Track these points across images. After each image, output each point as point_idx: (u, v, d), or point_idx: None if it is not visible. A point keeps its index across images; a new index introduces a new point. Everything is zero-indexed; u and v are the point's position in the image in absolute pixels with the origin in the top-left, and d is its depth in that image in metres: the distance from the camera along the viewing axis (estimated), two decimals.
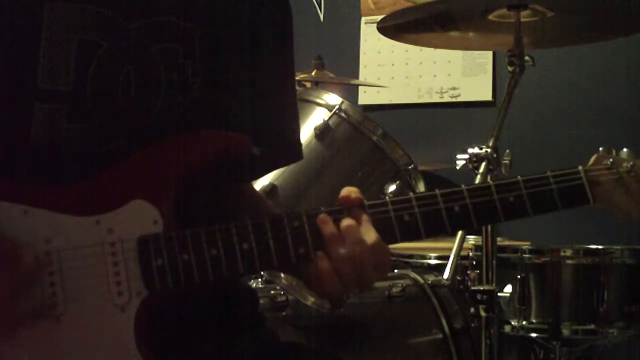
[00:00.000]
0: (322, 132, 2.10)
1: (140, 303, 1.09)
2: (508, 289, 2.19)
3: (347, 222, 1.14)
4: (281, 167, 1.75)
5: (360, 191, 1.17)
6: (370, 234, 1.14)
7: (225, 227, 1.12)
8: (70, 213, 1.10)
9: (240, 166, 1.27)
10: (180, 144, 1.16)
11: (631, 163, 1.22)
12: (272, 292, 2.13)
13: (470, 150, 2.00)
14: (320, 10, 4.18)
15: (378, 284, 2.21)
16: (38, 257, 1.08)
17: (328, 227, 1.14)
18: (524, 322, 2.26)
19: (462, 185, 1.18)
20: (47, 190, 1.11)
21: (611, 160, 1.22)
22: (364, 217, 1.15)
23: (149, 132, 1.18)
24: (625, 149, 1.25)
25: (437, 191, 1.17)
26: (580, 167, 1.21)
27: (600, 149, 1.24)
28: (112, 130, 1.17)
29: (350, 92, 3.96)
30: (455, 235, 2.10)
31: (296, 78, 3.06)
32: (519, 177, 1.19)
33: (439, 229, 1.17)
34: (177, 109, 1.21)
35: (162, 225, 1.11)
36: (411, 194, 1.18)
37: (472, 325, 2.13)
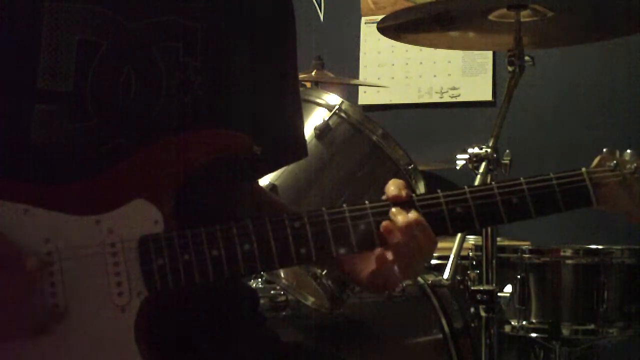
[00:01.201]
0: (322, 132, 2.09)
1: (140, 303, 1.09)
2: (508, 289, 2.19)
3: (413, 215, 1.15)
4: (286, 164, 1.75)
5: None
6: (426, 229, 1.15)
7: (226, 227, 1.12)
8: (71, 213, 1.10)
9: (241, 165, 1.27)
10: (181, 143, 1.15)
11: (635, 164, 1.21)
12: (272, 292, 2.13)
13: (470, 150, 2.00)
14: (320, 10, 4.18)
15: None
16: (38, 257, 1.07)
17: (399, 219, 1.14)
18: (524, 322, 2.26)
19: (465, 187, 1.18)
20: (47, 190, 1.11)
21: (615, 161, 1.21)
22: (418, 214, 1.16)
23: (150, 131, 1.17)
24: (629, 150, 1.24)
25: (439, 192, 1.17)
26: (583, 169, 1.20)
27: (604, 149, 1.23)
28: (113, 130, 1.17)
29: (350, 92, 3.96)
30: (455, 235, 2.11)
31: None
32: (521, 178, 1.19)
33: (441, 231, 1.17)
34: (179, 108, 1.20)
35: (162, 225, 1.11)
36: (413, 195, 1.18)
37: (472, 325, 2.13)
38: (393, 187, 1.18)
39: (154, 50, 1.19)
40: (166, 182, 1.13)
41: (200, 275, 1.10)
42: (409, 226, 1.14)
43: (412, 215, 1.15)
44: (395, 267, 1.16)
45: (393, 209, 1.15)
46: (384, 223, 1.15)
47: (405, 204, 1.16)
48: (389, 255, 1.15)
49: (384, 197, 1.18)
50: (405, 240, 1.14)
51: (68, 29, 1.15)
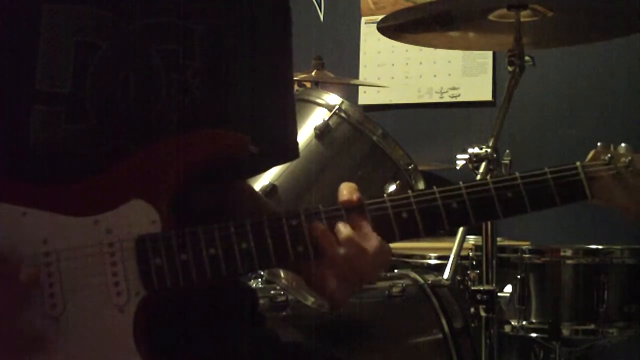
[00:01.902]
0: (322, 132, 2.09)
1: (138, 303, 1.09)
2: (508, 289, 2.19)
3: (345, 232, 1.13)
4: (277, 165, 1.75)
5: (358, 188, 1.17)
6: (371, 241, 1.13)
7: (223, 226, 1.12)
8: (69, 213, 1.10)
9: (238, 165, 1.27)
10: (179, 143, 1.15)
11: (629, 158, 1.21)
12: (272, 292, 2.13)
13: (470, 150, 2.00)
14: (320, 10, 4.18)
15: (378, 284, 2.21)
16: (37, 258, 1.07)
17: (327, 239, 1.13)
18: (524, 322, 2.26)
19: (460, 183, 1.18)
20: (45, 191, 1.11)
21: (609, 155, 1.21)
22: (364, 222, 1.15)
23: (149, 132, 1.17)
24: (623, 144, 1.24)
25: (435, 188, 1.17)
26: (578, 163, 1.20)
27: (599, 144, 1.23)
28: (111, 131, 1.16)
29: (350, 92, 3.96)
30: (454, 232, 2.11)
31: (296, 78, 3.07)
32: (516, 173, 1.19)
33: (437, 226, 1.17)
34: (177, 109, 1.20)
35: (160, 225, 1.11)
36: (409, 191, 1.17)
37: (472, 325, 2.13)
38: (345, 192, 1.16)
39: (153, 51, 1.19)
40: (164, 182, 1.13)
41: (198, 275, 1.10)
42: (349, 238, 1.13)
43: (344, 232, 1.13)
44: (336, 279, 1.14)
45: (320, 227, 1.13)
46: (319, 233, 1.13)
47: (356, 209, 1.15)
48: (326, 268, 1.14)
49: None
50: (344, 252, 1.12)
51: (66, 30, 1.15)
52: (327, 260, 1.13)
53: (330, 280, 1.14)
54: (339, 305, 1.18)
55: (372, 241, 1.13)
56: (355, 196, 1.16)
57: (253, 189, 1.61)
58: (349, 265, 1.13)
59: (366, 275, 1.15)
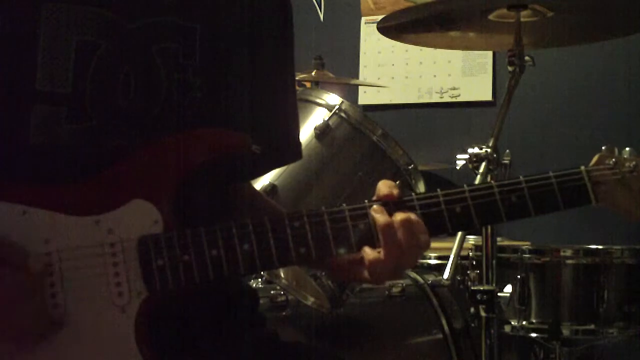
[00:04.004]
0: (322, 132, 2.09)
1: (140, 303, 1.09)
2: (508, 289, 2.19)
3: (401, 215, 1.14)
4: (280, 166, 1.75)
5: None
6: (424, 231, 1.15)
7: (226, 227, 1.12)
8: (70, 213, 1.10)
9: (240, 165, 1.27)
10: (180, 142, 1.15)
11: (634, 163, 1.21)
12: (272, 292, 2.13)
13: (470, 150, 2.00)
14: (320, 10, 4.18)
15: None
16: (38, 258, 1.07)
17: (382, 217, 1.14)
18: (524, 322, 2.26)
19: (464, 185, 1.18)
20: (46, 190, 1.11)
21: (614, 160, 1.21)
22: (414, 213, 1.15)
23: (150, 132, 1.17)
24: (627, 148, 1.23)
25: (438, 191, 1.17)
26: (582, 167, 1.20)
27: (603, 147, 1.23)
28: (112, 130, 1.16)
29: (350, 92, 3.96)
30: (455, 235, 2.11)
31: (296, 78, 3.07)
32: (521, 177, 1.19)
33: (440, 229, 1.17)
34: (178, 109, 1.20)
35: (162, 225, 1.11)
36: (413, 194, 1.17)
37: (472, 325, 2.13)
38: (384, 188, 1.17)
39: (153, 51, 1.19)
40: (165, 182, 1.13)
41: (200, 275, 1.10)
42: (397, 224, 1.13)
43: (399, 215, 1.14)
44: (384, 266, 1.15)
45: (374, 207, 1.14)
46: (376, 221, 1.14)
47: (396, 203, 1.16)
48: (378, 254, 1.15)
49: (374, 198, 1.17)
50: (390, 239, 1.13)
51: (66, 30, 1.14)
52: (383, 247, 1.14)
53: (377, 267, 1.15)
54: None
55: (425, 232, 1.15)
56: (395, 192, 1.16)
57: (257, 191, 1.61)
58: (400, 253, 1.14)
59: (410, 263, 1.17)
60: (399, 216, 1.14)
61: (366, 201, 1.16)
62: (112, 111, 1.17)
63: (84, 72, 1.15)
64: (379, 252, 1.14)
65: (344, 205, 1.16)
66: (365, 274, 1.17)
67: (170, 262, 1.09)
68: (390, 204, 1.15)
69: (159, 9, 1.21)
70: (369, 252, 1.14)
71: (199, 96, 1.22)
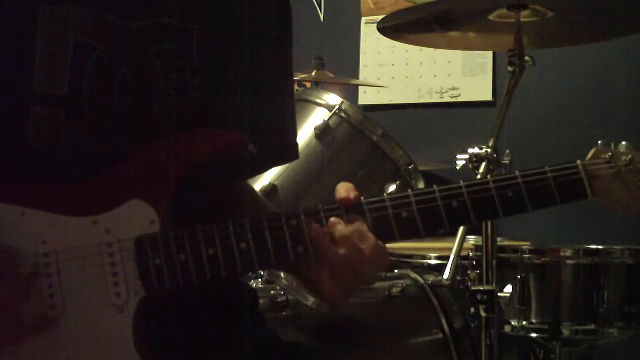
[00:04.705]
0: (322, 132, 2.10)
1: (138, 303, 1.09)
2: (508, 289, 2.19)
3: (341, 231, 1.12)
4: (277, 166, 1.74)
5: (356, 188, 1.17)
6: (368, 240, 1.13)
7: (222, 226, 1.11)
8: (67, 214, 1.10)
9: (237, 164, 1.27)
10: (176, 143, 1.15)
11: (630, 156, 1.21)
12: (272, 292, 2.13)
13: (470, 150, 2.00)
14: (320, 10, 4.18)
15: (378, 284, 2.21)
16: (36, 259, 1.08)
17: (322, 238, 1.12)
18: (524, 322, 2.26)
19: (460, 182, 1.17)
20: (43, 191, 1.11)
21: (609, 153, 1.21)
22: (361, 222, 1.14)
23: (147, 133, 1.17)
24: (623, 142, 1.24)
25: (434, 187, 1.17)
26: (578, 162, 1.20)
27: (599, 142, 1.23)
28: (109, 131, 1.17)
29: (350, 92, 3.96)
30: (454, 232, 2.11)
31: (296, 78, 3.08)
32: (517, 172, 1.18)
33: (437, 226, 1.16)
34: (176, 110, 1.20)
35: (159, 224, 1.11)
36: (409, 190, 1.17)
37: (472, 325, 2.13)
38: (342, 190, 1.15)
39: (150, 52, 1.19)
40: (162, 182, 1.13)
41: (197, 274, 1.10)
42: (345, 237, 1.12)
43: (339, 230, 1.12)
44: (332, 280, 1.13)
45: (331, 219, 1.13)
46: (315, 233, 1.12)
47: (354, 207, 1.15)
48: (326, 267, 1.13)
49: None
50: (341, 251, 1.12)
51: (64, 31, 1.15)
52: (323, 260, 1.13)
53: (326, 281, 1.13)
54: (336, 307, 1.17)
55: (368, 241, 1.13)
56: (352, 194, 1.15)
57: (253, 190, 1.61)
58: (345, 265, 1.12)
59: (363, 276, 1.14)
60: (339, 232, 1.12)
61: (320, 205, 1.15)
62: (109, 112, 1.17)
63: (81, 74, 1.15)
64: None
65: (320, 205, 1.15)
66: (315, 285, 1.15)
67: (167, 261, 1.09)
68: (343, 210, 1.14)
69: (157, 10, 1.21)
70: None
71: (197, 97, 1.22)
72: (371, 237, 1.13)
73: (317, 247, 1.13)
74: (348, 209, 1.15)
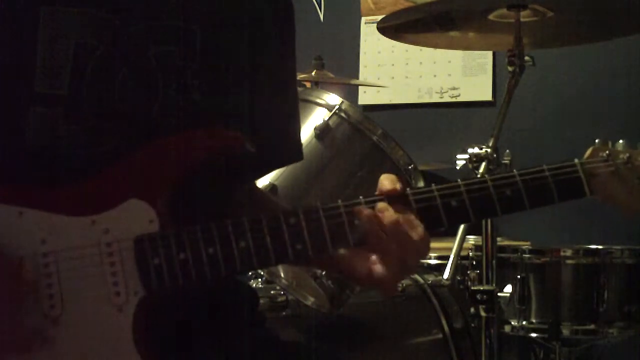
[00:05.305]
0: (322, 132, 2.09)
1: (137, 303, 1.09)
2: (508, 289, 2.19)
3: (391, 217, 1.12)
4: (281, 167, 1.74)
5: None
6: (417, 228, 1.13)
7: (221, 224, 1.11)
8: (66, 214, 1.10)
9: (237, 164, 1.27)
10: (175, 142, 1.15)
11: (627, 155, 1.21)
12: (272, 292, 2.13)
13: (470, 150, 2.00)
14: (320, 10, 4.18)
15: None
16: (35, 259, 1.08)
17: (372, 223, 1.13)
18: (524, 322, 2.26)
19: (459, 180, 1.17)
20: (42, 191, 1.11)
21: (607, 152, 1.21)
22: (409, 211, 1.14)
23: (147, 133, 1.17)
24: (621, 141, 1.24)
25: (433, 186, 1.17)
26: (576, 160, 1.20)
27: (597, 141, 1.24)
28: (109, 132, 1.16)
29: (350, 92, 3.95)
30: (453, 232, 2.11)
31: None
32: (514, 171, 1.19)
33: (436, 224, 1.16)
34: (176, 111, 1.20)
35: (158, 224, 1.11)
36: (407, 189, 1.17)
37: (472, 325, 2.13)
38: (387, 182, 1.16)
39: (151, 53, 1.19)
40: (161, 182, 1.13)
41: (197, 274, 1.10)
42: (396, 223, 1.13)
43: (396, 213, 1.13)
44: (384, 266, 1.14)
45: (380, 205, 1.14)
46: (366, 215, 1.13)
47: (399, 198, 1.16)
48: (376, 254, 1.14)
49: (377, 192, 1.17)
50: (391, 238, 1.13)
51: (64, 32, 1.15)
52: (374, 244, 1.13)
53: (378, 267, 1.14)
54: (389, 292, 1.18)
55: (418, 229, 1.13)
56: (398, 186, 1.16)
57: (265, 193, 1.61)
58: (395, 250, 1.13)
59: (410, 263, 1.15)
60: (389, 218, 1.13)
61: (361, 197, 1.15)
62: (109, 113, 1.17)
63: (81, 74, 1.15)
64: (373, 250, 1.14)
65: (340, 201, 1.15)
66: (365, 272, 1.16)
67: (166, 260, 1.09)
68: (386, 200, 1.15)
69: (158, 11, 1.21)
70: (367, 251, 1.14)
71: (198, 98, 1.22)
72: (420, 224, 1.13)
73: (369, 231, 1.13)
74: (392, 200, 1.14)
